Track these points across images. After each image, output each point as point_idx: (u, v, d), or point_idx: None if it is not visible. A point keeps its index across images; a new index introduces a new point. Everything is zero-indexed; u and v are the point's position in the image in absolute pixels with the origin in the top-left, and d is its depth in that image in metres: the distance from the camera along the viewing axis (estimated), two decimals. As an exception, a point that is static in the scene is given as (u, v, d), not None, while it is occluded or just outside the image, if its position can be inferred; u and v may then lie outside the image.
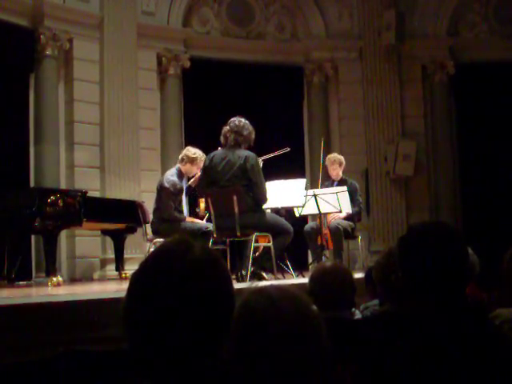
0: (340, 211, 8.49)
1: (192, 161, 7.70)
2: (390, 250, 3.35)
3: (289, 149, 8.56)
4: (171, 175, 7.68)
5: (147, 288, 1.51)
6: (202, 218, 7.99)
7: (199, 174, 8.06)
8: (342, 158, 9.35)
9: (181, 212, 7.58)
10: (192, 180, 8.28)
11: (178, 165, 7.81)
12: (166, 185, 7.52)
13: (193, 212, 8.22)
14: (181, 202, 7.65)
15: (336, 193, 8.42)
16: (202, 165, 7.63)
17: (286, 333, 1.55)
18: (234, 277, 7.25)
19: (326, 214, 8.69)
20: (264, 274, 6.93)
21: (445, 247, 2.23)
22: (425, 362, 2.06)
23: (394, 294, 3.21)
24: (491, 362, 2.02)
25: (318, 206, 8.36)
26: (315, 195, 8.37)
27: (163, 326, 1.47)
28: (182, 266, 1.51)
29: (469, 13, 13.49)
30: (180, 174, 7.70)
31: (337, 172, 9.16)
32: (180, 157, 7.84)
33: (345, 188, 8.61)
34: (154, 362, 1.49)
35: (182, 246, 1.57)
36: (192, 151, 7.79)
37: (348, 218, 8.83)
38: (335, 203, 8.37)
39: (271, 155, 8.38)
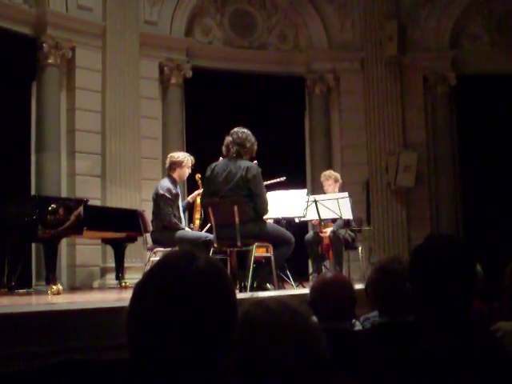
0: (340, 217, 8.49)
1: (180, 164, 7.75)
2: (382, 265, 3.34)
3: (284, 178, 8.52)
4: (165, 182, 7.70)
5: (151, 298, 1.51)
6: None
7: (197, 191, 8.10)
8: (337, 174, 9.36)
9: (178, 218, 7.58)
10: (191, 196, 8.29)
11: (169, 174, 7.84)
12: (162, 191, 7.52)
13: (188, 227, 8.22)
14: (178, 207, 7.65)
15: (337, 199, 8.43)
16: (190, 164, 7.77)
17: (284, 345, 1.55)
18: (237, 287, 7.27)
19: (326, 221, 8.72)
20: (268, 285, 6.92)
21: (458, 261, 2.24)
22: (425, 374, 2.05)
23: (391, 307, 3.20)
24: (493, 376, 2.02)
25: (318, 212, 8.36)
26: (316, 201, 8.38)
27: (166, 336, 1.47)
28: (187, 276, 1.51)
29: (471, 25, 13.53)
30: (173, 181, 7.71)
31: (332, 188, 9.14)
32: (167, 166, 7.88)
33: (346, 194, 8.62)
34: (155, 371, 1.49)
35: (187, 257, 1.57)
36: (175, 155, 7.86)
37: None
38: (336, 209, 8.37)
39: (268, 182, 8.36)
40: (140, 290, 1.56)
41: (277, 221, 8.06)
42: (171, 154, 7.95)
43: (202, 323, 1.48)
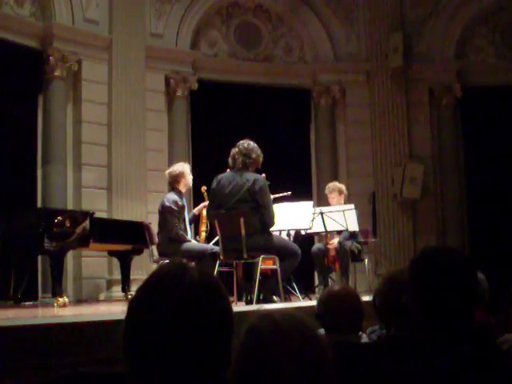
0: (346, 229, 8.46)
1: (182, 174, 7.75)
2: (390, 277, 3.33)
3: (290, 192, 8.51)
4: (171, 195, 7.70)
5: (145, 313, 1.50)
6: None
7: (203, 203, 8.09)
8: (342, 186, 9.28)
9: (184, 231, 7.57)
10: (197, 208, 8.29)
11: (174, 188, 7.83)
12: (168, 204, 7.53)
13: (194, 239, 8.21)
14: (184, 220, 7.65)
15: (343, 211, 8.41)
16: (189, 170, 7.77)
17: (291, 358, 1.54)
18: (243, 299, 7.26)
19: (332, 233, 8.70)
20: (274, 297, 6.90)
21: (456, 273, 2.22)
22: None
23: (399, 319, 3.19)
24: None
25: (324, 224, 8.34)
26: (322, 213, 8.35)
27: (162, 351, 1.46)
28: (180, 289, 1.51)
29: (476, 37, 13.55)
30: (179, 194, 7.71)
31: (337, 200, 9.08)
32: (169, 182, 7.88)
33: (352, 206, 8.59)
34: None
35: (180, 269, 1.56)
36: (173, 170, 7.85)
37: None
38: (342, 221, 8.35)
39: (273, 196, 8.34)
40: (135, 305, 1.55)
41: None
42: (168, 171, 7.91)
43: (197, 335, 1.47)
